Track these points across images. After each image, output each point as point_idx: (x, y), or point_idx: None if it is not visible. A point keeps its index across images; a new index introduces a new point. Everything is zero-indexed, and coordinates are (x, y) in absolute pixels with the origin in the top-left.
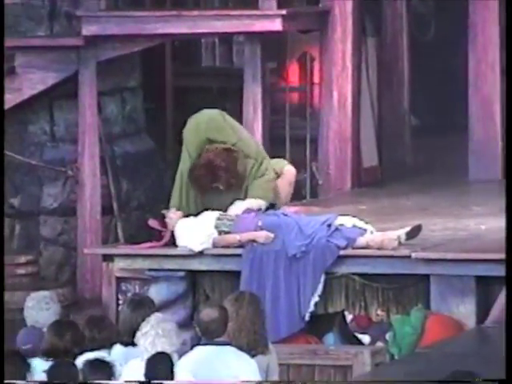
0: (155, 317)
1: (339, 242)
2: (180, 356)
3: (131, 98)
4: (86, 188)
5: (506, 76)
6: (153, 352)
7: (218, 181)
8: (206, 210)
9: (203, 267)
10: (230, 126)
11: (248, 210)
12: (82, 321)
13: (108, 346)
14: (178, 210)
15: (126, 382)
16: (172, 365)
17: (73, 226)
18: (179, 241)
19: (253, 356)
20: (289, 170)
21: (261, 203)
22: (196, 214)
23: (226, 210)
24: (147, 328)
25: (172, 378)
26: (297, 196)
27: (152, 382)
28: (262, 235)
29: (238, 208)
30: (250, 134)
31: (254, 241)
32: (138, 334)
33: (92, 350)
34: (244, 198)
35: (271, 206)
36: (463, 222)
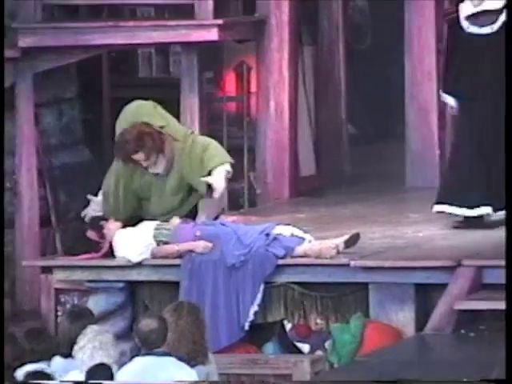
0: (91, 329)
1: (278, 252)
2: (119, 367)
3: (68, 109)
4: (24, 200)
5: (505, 75)
6: (91, 364)
7: (142, 148)
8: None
9: (142, 278)
10: (160, 113)
11: (186, 220)
12: (20, 333)
13: (48, 357)
14: (116, 216)
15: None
16: (112, 376)
17: (11, 237)
18: (118, 252)
19: (192, 366)
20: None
21: (227, 168)
22: (134, 224)
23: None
24: (84, 341)
25: None
26: (235, 206)
27: None
28: (200, 245)
29: (213, 179)
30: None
31: (192, 251)
32: (76, 347)
33: (32, 361)
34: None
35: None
36: (401, 229)
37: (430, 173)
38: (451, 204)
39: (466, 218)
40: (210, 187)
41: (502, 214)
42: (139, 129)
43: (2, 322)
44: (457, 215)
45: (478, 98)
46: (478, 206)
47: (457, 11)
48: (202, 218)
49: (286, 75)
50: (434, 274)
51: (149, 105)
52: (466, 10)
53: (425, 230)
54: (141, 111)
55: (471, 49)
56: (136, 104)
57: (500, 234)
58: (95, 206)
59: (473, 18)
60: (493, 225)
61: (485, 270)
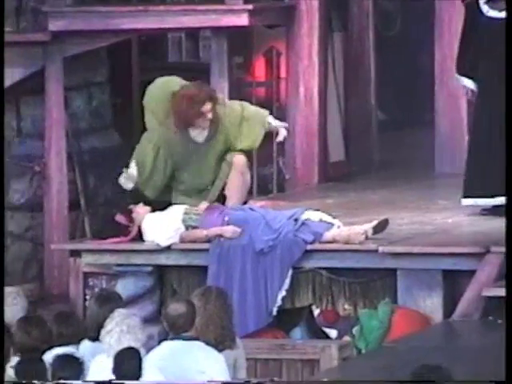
0: (119, 313)
1: (306, 237)
2: (148, 351)
3: (98, 93)
4: (53, 183)
5: (506, 76)
6: (119, 349)
7: (211, 98)
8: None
9: (170, 262)
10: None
11: (214, 205)
12: (49, 316)
13: (76, 341)
14: (151, 187)
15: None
16: (140, 360)
17: (40, 221)
18: (146, 236)
19: (220, 351)
20: (238, 159)
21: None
22: (163, 208)
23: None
24: (112, 325)
25: (140, 373)
26: (263, 191)
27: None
28: (229, 230)
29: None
30: None
31: (221, 236)
32: (103, 331)
33: (60, 345)
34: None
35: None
36: (430, 215)
37: (459, 159)
38: (476, 196)
39: (494, 206)
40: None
41: None
42: (190, 85)
43: (2, 322)
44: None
45: (495, 82)
46: (500, 195)
47: None
48: (230, 202)
49: (315, 61)
50: (462, 261)
51: (175, 78)
52: None
53: (453, 216)
54: (172, 84)
55: (490, 32)
56: (163, 80)
57: None
58: (125, 180)
59: (492, 2)
60: None
61: None
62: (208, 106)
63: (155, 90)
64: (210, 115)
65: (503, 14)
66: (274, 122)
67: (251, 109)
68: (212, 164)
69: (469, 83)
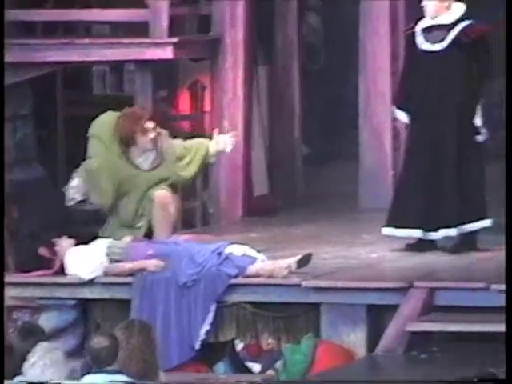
0: (41, 347)
1: (230, 271)
2: None
3: (22, 125)
4: None
5: (506, 76)
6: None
7: (149, 115)
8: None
9: (94, 296)
10: None
11: (138, 239)
12: None
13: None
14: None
15: None
16: None
17: None
18: (70, 269)
19: None
20: (159, 194)
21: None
22: (87, 242)
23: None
24: (35, 358)
25: None
26: (188, 224)
27: None
28: (152, 263)
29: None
30: None
31: (144, 269)
32: (26, 365)
33: None
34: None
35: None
36: (354, 250)
37: (384, 193)
38: (401, 226)
39: (419, 240)
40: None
41: (453, 231)
42: (138, 111)
43: (2, 322)
44: (408, 237)
45: (427, 116)
46: (434, 230)
47: (414, 27)
48: (156, 236)
49: (240, 94)
50: (387, 295)
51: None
52: (422, 24)
53: (378, 250)
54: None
55: (422, 65)
56: (115, 112)
57: (452, 256)
58: (73, 191)
59: (427, 33)
60: (444, 249)
61: (437, 292)
62: (150, 125)
63: (103, 117)
64: (151, 134)
65: (435, 47)
66: (216, 146)
67: (194, 140)
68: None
69: (402, 116)
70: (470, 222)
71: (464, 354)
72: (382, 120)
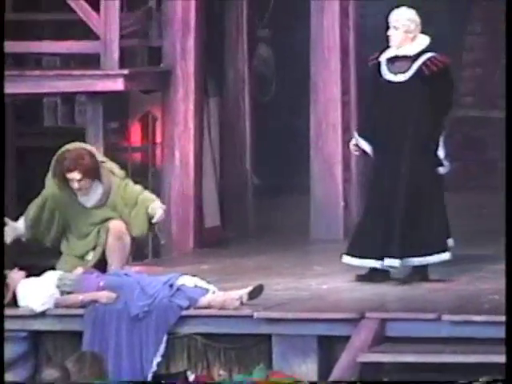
0: None
1: (181, 302)
2: None
3: None
4: None
5: (506, 77)
6: None
7: (79, 166)
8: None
9: (45, 327)
10: (95, 151)
11: (89, 271)
12: None
13: None
14: (43, 238)
15: None
16: None
17: None
18: (21, 301)
19: None
20: (114, 225)
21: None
22: (38, 274)
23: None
24: None
25: None
26: (139, 256)
27: None
28: (103, 295)
29: (156, 211)
30: None
31: (96, 301)
32: None
33: None
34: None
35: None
36: (305, 281)
37: (335, 225)
38: (359, 256)
39: (372, 270)
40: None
41: (410, 261)
42: (80, 149)
43: (2, 322)
44: (362, 267)
45: (390, 147)
46: (384, 258)
47: (379, 57)
48: (111, 267)
49: (191, 126)
50: (338, 326)
51: (82, 145)
52: (386, 54)
53: (329, 282)
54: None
55: (386, 95)
56: (73, 144)
57: (404, 287)
58: (11, 231)
59: (391, 64)
60: (397, 280)
61: (388, 323)
62: (74, 175)
63: (60, 151)
64: (76, 185)
65: (398, 78)
66: (155, 205)
67: (148, 196)
68: (96, 230)
69: (365, 145)
70: (430, 254)
71: None
72: (333, 151)
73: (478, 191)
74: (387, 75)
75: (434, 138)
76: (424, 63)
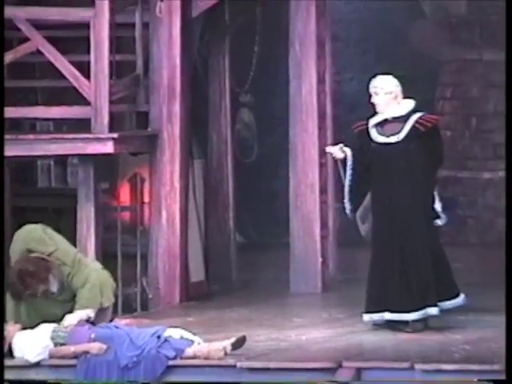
0: None
1: (168, 353)
2: None
3: None
4: None
5: (506, 77)
6: None
7: (30, 287)
8: (43, 320)
9: (40, 377)
10: (49, 236)
11: (82, 323)
12: None
13: None
14: (16, 322)
15: None
16: None
17: None
18: (17, 352)
19: None
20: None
21: (88, 312)
22: (33, 326)
23: (60, 320)
24: None
25: None
26: (128, 309)
27: None
28: (95, 347)
29: (69, 321)
30: (70, 246)
31: (87, 352)
32: None
33: None
34: (73, 306)
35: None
36: (285, 332)
37: (313, 279)
38: (373, 312)
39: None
40: None
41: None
42: (21, 270)
43: (2, 324)
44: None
45: (388, 203)
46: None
47: (367, 124)
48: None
49: (177, 186)
50: (317, 375)
51: (38, 229)
52: (374, 119)
53: (307, 333)
54: (30, 236)
55: (380, 157)
56: (27, 230)
57: (379, 337)
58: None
59: (380, 127)
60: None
61: (363, 371)
62: (28, 293)
63: (13, 244)
64: (37, 294)
65: (392, 139)
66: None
67: (85, 293)
68: (60, 311)
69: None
70: (450, 298)
71: None
72: (312, 210)
73: (450, 247)
74: (379, 138)
75: (431, 192)
76: (417, 121)
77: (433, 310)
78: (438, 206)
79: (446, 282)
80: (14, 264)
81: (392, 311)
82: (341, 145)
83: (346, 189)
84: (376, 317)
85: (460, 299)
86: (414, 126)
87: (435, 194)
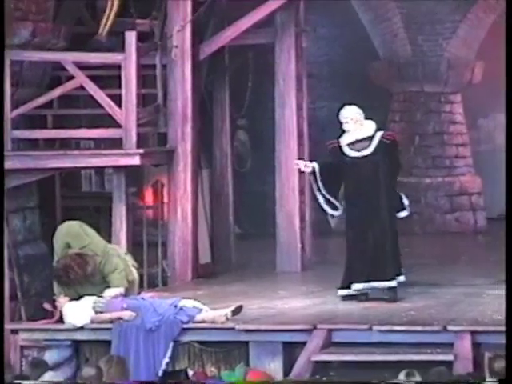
0: (48, 375)
1: (183, 318)
2: None
3: (30, 214)
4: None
5: (506, 77)
6: None
7: (73, 279)
8: (82, 295)
9: (84, 338)
10: (84, 231)
11: (116, 296)
12: None
13: None
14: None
15: None
16: None
17: None
18: (66, 319)
19: None
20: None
21: (120, 290)
22: (78, 299)
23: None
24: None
25: None
26: (152, 285)
27: None
28: (126, 314)
29: (108, 294)
30: (104, 240)
31: (120, 318)
32: None
33: None
34: (102, 287)
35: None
36: (273, 302)
37: (294, 261)
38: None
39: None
40: None
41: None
42: (66, 266)
43: (2, 323)
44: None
45: (359, 200)
46: (376, 281)
47: (338, 142)
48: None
49: (189, 190)
50: (297, 335)
51: (76, 226)
52: (346, 139)
53: (290, 302)
54: (69, 231)
55: (353, 168)
56: (66, 225)
57: (345, 306)
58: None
59: (352, 145)
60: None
61: (334, 332)
62: (61, 300)
63: (57, 231)
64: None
65: (364, 153)
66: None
67: (115, 276)
68: (93, 290)
69: (334, 212)
70: (398, 275)
71: (353, 376)
72: (293, 208)
73: (400, 236)
74: (352, 153)
75: (393, 190)
76: (383, 137)
77: (401, 278)
78: (405, 201)
79: (399, 260)
80: (59, 260)
81: (378, 280)
82: (307, 162)
83: (320, 196)
84: (361, 286)
85: (402, 277)
86: (380, 141)
87: (402, 194)
